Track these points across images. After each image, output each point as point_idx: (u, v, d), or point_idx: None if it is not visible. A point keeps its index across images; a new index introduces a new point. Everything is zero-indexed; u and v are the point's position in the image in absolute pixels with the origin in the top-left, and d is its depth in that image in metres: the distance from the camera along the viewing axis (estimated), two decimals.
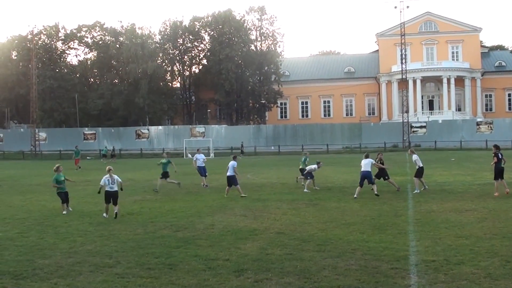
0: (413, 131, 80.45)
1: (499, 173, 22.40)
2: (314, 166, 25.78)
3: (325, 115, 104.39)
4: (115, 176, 18.44)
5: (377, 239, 13.88)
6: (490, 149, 28.84)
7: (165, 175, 27.25)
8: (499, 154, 22.62)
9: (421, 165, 23.76)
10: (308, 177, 25.58)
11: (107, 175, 18.26)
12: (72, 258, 12.46)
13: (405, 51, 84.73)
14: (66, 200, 20.12)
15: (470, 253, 12.04)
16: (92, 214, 19.13)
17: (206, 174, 29.10)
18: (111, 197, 18.25)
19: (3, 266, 11.87)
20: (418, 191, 23.06)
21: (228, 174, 23.57)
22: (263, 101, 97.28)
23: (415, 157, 23.99)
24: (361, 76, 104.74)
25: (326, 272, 10.76)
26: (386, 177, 24.93)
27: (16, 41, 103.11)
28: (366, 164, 22.78)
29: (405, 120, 78.39)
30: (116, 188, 18.33)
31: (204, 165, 29.21)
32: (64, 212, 19.51)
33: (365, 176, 22.58)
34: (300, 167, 27.81)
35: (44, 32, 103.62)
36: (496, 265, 10.98)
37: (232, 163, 23.63)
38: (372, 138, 76.88)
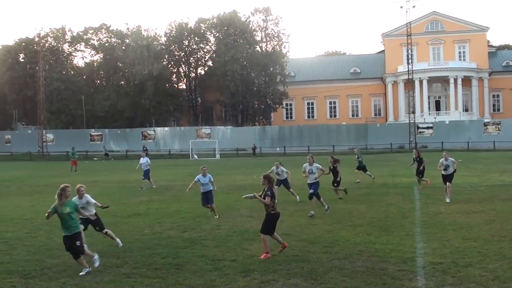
0: (420, 132, 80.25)
1: None
2: (272, 168, 22.18)
3: (331, 116, 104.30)
4: (88, 197, 13.56)
5: (384, 240, 13.82)
6: (498, 150, 28.76)
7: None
8: None
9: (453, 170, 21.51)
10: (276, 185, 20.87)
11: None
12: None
13: (411, 51, 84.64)
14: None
15: (478, 255, 11.94)
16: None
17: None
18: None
19: (12, 266, 11.92)
20: (449, 200, 20.48)
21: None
22: (269, 102, 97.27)
23: (450, 160, 21.42)
24: (367, 76, 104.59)
25: (333, 274, 10.71)
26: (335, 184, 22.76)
27: (23, 44, 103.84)
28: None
29: (412, 121, 78.23)
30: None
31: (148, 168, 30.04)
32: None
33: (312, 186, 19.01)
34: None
35: (51, 35, 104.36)
36: (504, 267, 10.91)
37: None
38: (378, 139, 76.84)
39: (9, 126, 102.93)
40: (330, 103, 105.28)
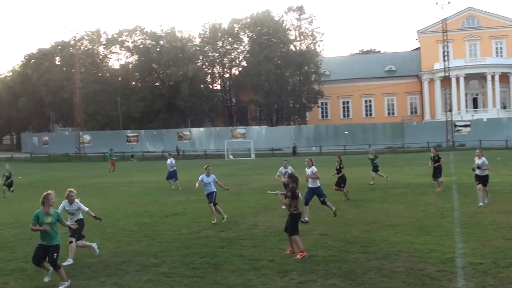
0: (457, 130, 79.11)
1: None
2: (280, 168, 20.48)
3: (366, 115, 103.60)
4: (79, 203, 12.79)
5: (423, 241, 13.67)
6: None
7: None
8: None
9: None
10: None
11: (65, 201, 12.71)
12: (119, 258, 12.62)
13: (447, 48, 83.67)
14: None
15: None
16: (137, 215, 19.30)
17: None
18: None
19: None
20: (483, 203, 19.01)
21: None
22: (304, 101, 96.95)
23: (483, 160, 19.70)
24: (403, 74, 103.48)
25: (372, 274, 10.66)
26: (343, 185, 22.32)
27: (59, 47, 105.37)
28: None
29: (449, 119, 77.30)
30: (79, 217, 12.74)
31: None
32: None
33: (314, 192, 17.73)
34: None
35: (86, 38, 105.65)
36: None
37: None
38: (415, 137, 76.01)
39: (46, 128, 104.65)
40: (366, 101, 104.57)
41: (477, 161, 19.68)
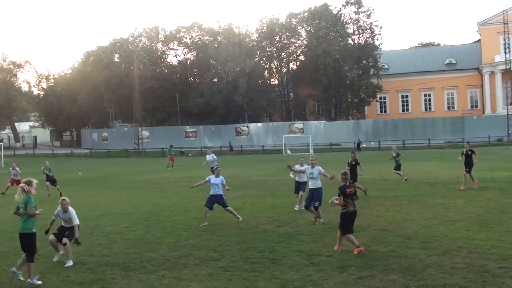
0: None
1: None
2: (296, 166, 18.70)
3: (425, 109, 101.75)
4: (73, 212, 12.40)
5: (483, 236, 13.47)
6: None
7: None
8: None
9: None
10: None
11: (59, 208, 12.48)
12: (178, 252, 12.78)
13: (508, 40, 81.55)
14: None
15: None
16: (196, 210, 19.46)
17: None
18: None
19: (113, 258, 12.34)
20: None
21: None
22: (362, 96, 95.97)
23: None
24: (463, 67, 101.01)
25: (431, 270, 10.55)
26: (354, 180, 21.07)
27: (118, 44, 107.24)
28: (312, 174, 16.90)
29: (510, 113, 75.37)
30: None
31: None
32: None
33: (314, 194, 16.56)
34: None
35: (145, 35, 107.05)
36: None
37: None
38: (476, 132, 74.51)
39: (106, 124, 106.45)
40: (425, 95, 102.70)
41: None
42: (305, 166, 17.90)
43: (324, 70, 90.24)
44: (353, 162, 22.67)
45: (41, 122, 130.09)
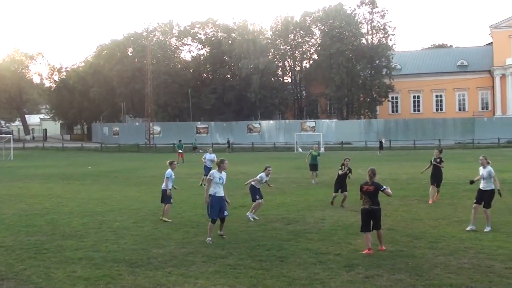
0: None
1: None
2: (261, 174, 18.21)
3: (437, 110, 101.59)
4: None
5: (491, 237, 13.53)
6: None
7: None
8: None
9: None
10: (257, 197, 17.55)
11: None
12: (185, 249, 12.77)
13: None
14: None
15: None
16: (204, 206, 19.06)
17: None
18: None
19: (120, 254, 12.34)
20: None
21: None
22: (374, 95, 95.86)
23: None
24: (474, 69, 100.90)
25: (438, 270, 10.59)
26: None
27: (132, 38, 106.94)
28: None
29: None
30: None
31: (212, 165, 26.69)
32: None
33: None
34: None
35: (159, 29, 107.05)
36: None
37: None
38: (486, 133, 74.54)
39: (117, 119, 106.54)
40: (437, 96, 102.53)
41: None
42: None
43: (337, 69, 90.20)
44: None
45: (51, 115, 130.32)
